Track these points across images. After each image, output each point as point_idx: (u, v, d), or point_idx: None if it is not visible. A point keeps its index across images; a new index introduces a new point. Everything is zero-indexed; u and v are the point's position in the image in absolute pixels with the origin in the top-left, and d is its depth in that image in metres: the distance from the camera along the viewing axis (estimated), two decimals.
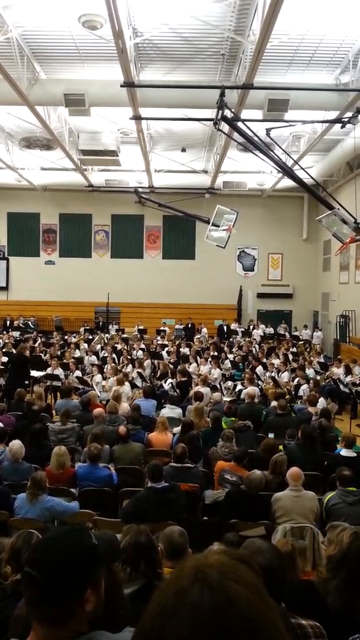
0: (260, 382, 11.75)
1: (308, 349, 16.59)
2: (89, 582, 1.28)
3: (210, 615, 0.66)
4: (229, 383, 12.36)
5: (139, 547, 2.77)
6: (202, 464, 6.47)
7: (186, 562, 0.76)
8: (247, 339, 17.42)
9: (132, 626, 1.46)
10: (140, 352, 14.54)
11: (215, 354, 14.09)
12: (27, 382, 11.18)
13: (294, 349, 16.05)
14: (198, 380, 10.66)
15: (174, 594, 0.70)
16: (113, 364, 12.43)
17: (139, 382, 11.42)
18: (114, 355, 13.66)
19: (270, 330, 20.12)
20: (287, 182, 17.03)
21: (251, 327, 19.99)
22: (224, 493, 5.38)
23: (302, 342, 17.95)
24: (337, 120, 10.59)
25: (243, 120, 10.15)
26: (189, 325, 20.05)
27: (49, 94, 11.40)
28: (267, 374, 12.33)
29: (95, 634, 1.31)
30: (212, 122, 10.54)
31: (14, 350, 12.97)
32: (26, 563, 1.28)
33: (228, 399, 9.95)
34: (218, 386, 11.41)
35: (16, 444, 5.70)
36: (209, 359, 13.08)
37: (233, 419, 7.92)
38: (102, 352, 14.79)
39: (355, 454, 6.26)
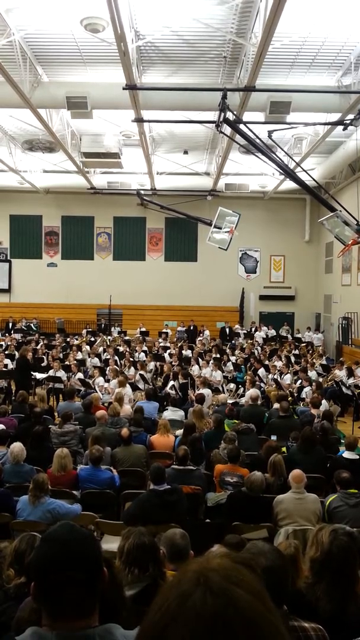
0: (262, 385, 11.74)
1: (310, 351, 16.56)
2: (102, 565, 1.39)
3: (212, 619, 0.66)
4: (231, 385, 12.35)
5: (144, 548, 2.76)
6: (204, 466, 6.46)
7: (188, 566, 0.76)
8: (249, 341, 17.40)
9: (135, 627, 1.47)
10: (142, 355, 14.54)
11: (218, 356, 14.08)
12: (30, 384, 11.22)
13: (296, 351, 16.03)
14: (198, 382, 10.66)
15: (175, 598, 0.70)
16: (115, 366, 12.43)
17: (141, 385, 11.43)
18: (116, 358, 13.66)
19: (273, 332, 20.10)
20: (289, 184, 17.05)
21: (253, 329, 19.98)
22: (226, 495, 5.38)
23: (304, 344, 17.93)
24: (339, 123, 10.61)
25: (245, 123, 10.15)
26: (191, 328, 20.04)
27: (51, 97, 11.44)
28: (270, 376, 12.31)
29: (110, 626, 1.34)
30: (214, 125, 10.55)
31: (16, 353, 13.01)
32: (56, 568, 1.31)
33: (230, 401, 9.94)
34: (220, 388, 11.40)
35: (17, 446, 5.70)
36: (211, 361, 13.07)
37: (235, 421, 7.92)
38: (105, 354, 14.80)
39: (357, 456, 6.25)
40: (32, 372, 11.81)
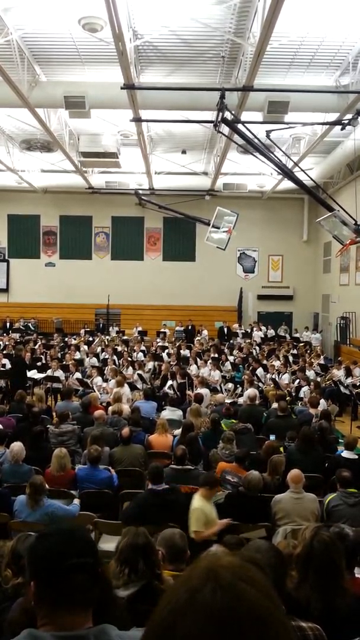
0: (260, 384, 11.74)
1: (309, 351, 16.58)
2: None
3: (221, 614, 0.67)
4: (229, 385, 12.36)
5: (136, 548, 2.76)
6: (202, 465, 6.46)
7: (198, 563, 0.77)
8: (247, 341, 17.41)
9: (129, 627, 1.48)
10: (140, 354, 14.54)
11: (216, 355, 14.08)
12: (26, 384, 11.13)
13: (295, 351, 16.04)
14: (196, 382, 10.66)
15: (185, 592, 0.71)
16: (113, 366, 12.43)
17: (139, 384, 11.42)
18: (114, 357, 13.66)
19: (272, 332, 20.11)
20: (288, 184, 17.05)
21: (255, 328, 19.96)
22: (224, 495, 5.38)
23: (302, 344, 17.94)
24: (337, 122, 10.61)
25: (243, 122, 10.16)
26: (189, 327, 20.04)
27: (50, 97, 11.42)
28: (268, 375, 12.32)
29: (105, 626, 1.34)
30: (212, 124, 10.56)
31: (14, 353, 12.97)
32: (66, 555, 1.33)
33: (229, 401, 9.94)
34: (219, 388, 11.40)
35: (16, 445, 5.69)
36: (209, 361, 13.07)
37: (233, 420, 7.92)
38: (103, 354, 14.79)
39: (356, 456, 6.26)
40: (27, 373, 11.67)
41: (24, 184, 19.56)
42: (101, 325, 20.47)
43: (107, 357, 13.97)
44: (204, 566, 0.75)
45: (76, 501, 5.26)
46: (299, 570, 2.58)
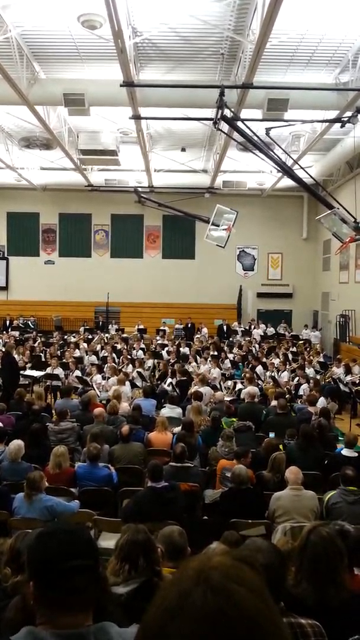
0: (260, 382, 11.75)
1: (308, 349, 16.59)
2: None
3: (212, 617, 0.67)
4: (229, 382, 12.36)
5: (136, 544, 2.76)
6: (199, 462, 6.47)
7: (189, 564, 0.76)
8: (247, 339, 17.41)
9: (125, 624, 1.48)
10: (140, 352, 14.54)
11: (215, 353, 14.09)
12: (17, 381, 10.94)
13: (294, 349, 16.05)
14: (196, 379, 10.65)
15: (176, 596, 0.70)
16: (113, 364, 12.43)
17: (138, 382, 11.42)
18: (113, 355, 13.66)
19: (272, 330, 20.11)
20: (287, 182, 17.02)
21: (252, 326, 19.98)
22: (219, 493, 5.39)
23: (302, 341, 17.95)
24: (337, 120, 10.59)
25: (243, 120, 10.15)
26: (189, 325, 20.04)
27: (49, 94, 11.40)
28: (267, 373, 12.32)
29: (105, 624, 1.34)
30: (211, 122, 10.53)
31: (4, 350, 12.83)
32: (66, 557, 1.32)
33: (228, 399, 9.94)
34: (218, 386, 11.40)
35: (15, 443, 5.70)
36: (209, 359, 13.07)
37: (233, 419, 7.92)
38: (102, 351, 14.79)
39: (356, 454, 6.26)
40: (17, 370, 11.46)
41: (23, 182, 19.53)
42: (100, 323, 20.47)
43: (106, 354, 13.97)
44: (195, 567, 0.74)
45: (76, 500, 5.26)
46: (295, 564, 2.59)
